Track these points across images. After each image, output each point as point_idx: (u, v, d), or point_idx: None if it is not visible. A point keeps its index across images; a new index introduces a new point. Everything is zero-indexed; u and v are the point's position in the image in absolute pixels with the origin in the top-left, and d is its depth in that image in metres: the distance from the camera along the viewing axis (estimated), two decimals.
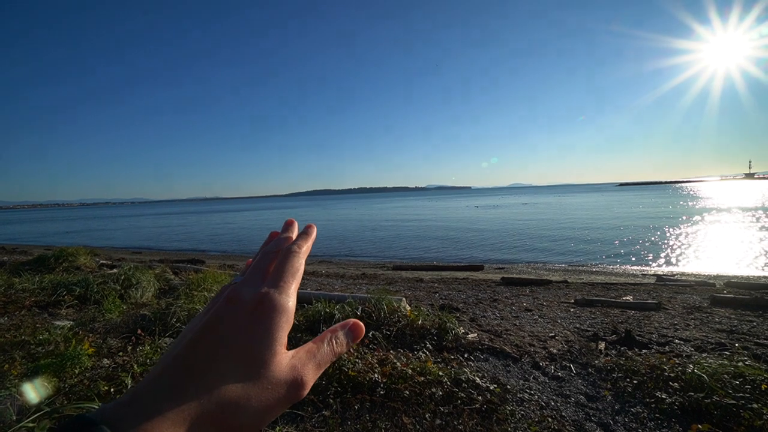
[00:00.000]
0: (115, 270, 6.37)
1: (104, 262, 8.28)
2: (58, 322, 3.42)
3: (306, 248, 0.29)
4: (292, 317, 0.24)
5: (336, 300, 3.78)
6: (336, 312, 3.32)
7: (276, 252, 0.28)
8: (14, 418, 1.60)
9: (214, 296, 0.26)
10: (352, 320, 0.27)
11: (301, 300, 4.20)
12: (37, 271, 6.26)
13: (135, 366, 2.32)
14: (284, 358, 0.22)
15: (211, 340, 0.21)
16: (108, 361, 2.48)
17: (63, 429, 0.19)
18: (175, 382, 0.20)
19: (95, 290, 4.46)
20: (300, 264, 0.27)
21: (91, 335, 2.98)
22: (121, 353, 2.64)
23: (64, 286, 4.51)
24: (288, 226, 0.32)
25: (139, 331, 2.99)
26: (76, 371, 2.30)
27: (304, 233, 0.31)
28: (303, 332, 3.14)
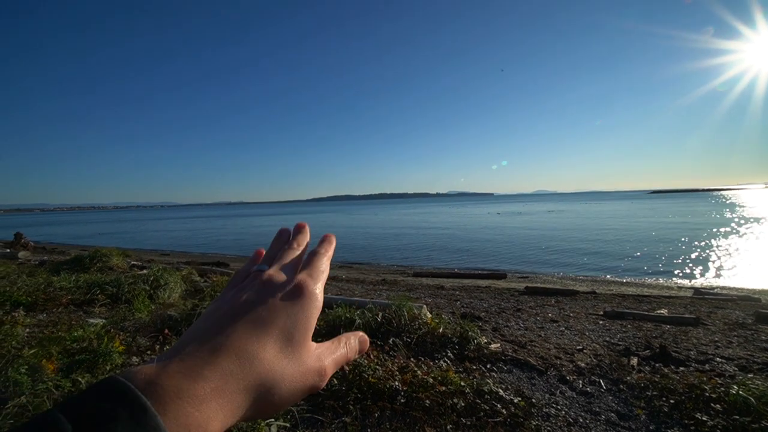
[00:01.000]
0: (144, 271, 6.64)
1: (135, 263, 8.66)
2: (91, 320, 3.58)
3: (331, 253, 0.31)
4: (320, 309, 0.26)
5: (356, 305, 3.77)
6: (356, 317, 3.31)
7: (298, 248, 0.31)
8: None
9: (232, 279, 0.28)
10: (361, 332, 0.30)
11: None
12: (73, 270, 6.61)
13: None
14: (313, 346, 0.24)
15: (248, 317, 0.21)
16: (137, 359, 2.56)
17: (94, 391, 0.18)
18: (218, 347, 0.20)
19: (126, 290, 4.65)
20: (327, 267, 0.29)
21: (121, 333, 3.10)
22: (149, 352, 2.73)
23: (97, 285, 4.73)
24: (300, 229, 0.34)
25: (166, 331, 3.09)
26: (108, 368, 2.39)
27: (327, 241, 0.33)
28: (323, 336, 3.14)
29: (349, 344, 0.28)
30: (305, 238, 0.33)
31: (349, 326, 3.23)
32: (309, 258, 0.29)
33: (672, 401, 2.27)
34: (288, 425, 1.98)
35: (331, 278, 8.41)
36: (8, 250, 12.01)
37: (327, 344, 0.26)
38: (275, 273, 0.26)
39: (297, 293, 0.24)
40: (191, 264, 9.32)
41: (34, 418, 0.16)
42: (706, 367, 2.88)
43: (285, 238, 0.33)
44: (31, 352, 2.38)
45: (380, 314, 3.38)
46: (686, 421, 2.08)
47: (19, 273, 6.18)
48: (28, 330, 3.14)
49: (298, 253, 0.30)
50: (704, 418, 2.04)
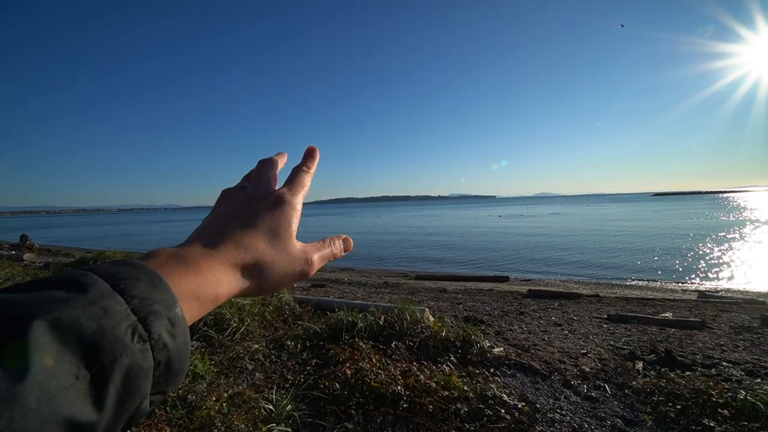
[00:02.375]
0: None
1: None
2: None
3: (313, 169, 0.37)
4: (299, 216, 0.31)
5: (358, 308, 3.76)
6: (359, 321, 3.29)
7: (275, 164, 0.36)
8: None
9: (220, 196, 0.35)
10: (344, 235, 0.36)
11: (324, 307, 4.21)
12: None
13: None
14: (298, 243, 0.30)
15: (242, 218, 0.29)
16: None
17: (113, 261, 0.20)
18: (220, 239, 0.26)
19: None
20: (308, 182, 0.35)
21: None
22: None
23: None
24: (279, 155, 0.38)
25: None
26: None
27: (310, 156, 0.38)
28: (326, 340, 3.13)
29: (334, 244, 0.34)
30: (283, 157, 0.38)
31: (351, 329, 3.21)
32: (292, 173, 0.35)
33: (678, 406, 2.24)
34: (290, 430, 1.97)
35: (333, 281, 8.40)
36: (14, 252, 12.08)
37: (313, 243, 0.32)
38: (256, 188, 0.33)
39: (278, 202, 0.31)
40: None
41: (64, 272, 0.17)
42: (713, 371, 2.84)
43: (266, 161, 0.38)
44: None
45: (382, 317, 3.36)
46: (693, 427, 2.05)
47: (24, 275, 6.21)
48: None
49: (275, 169, 0.36)
50: (712, 424, 2.02)
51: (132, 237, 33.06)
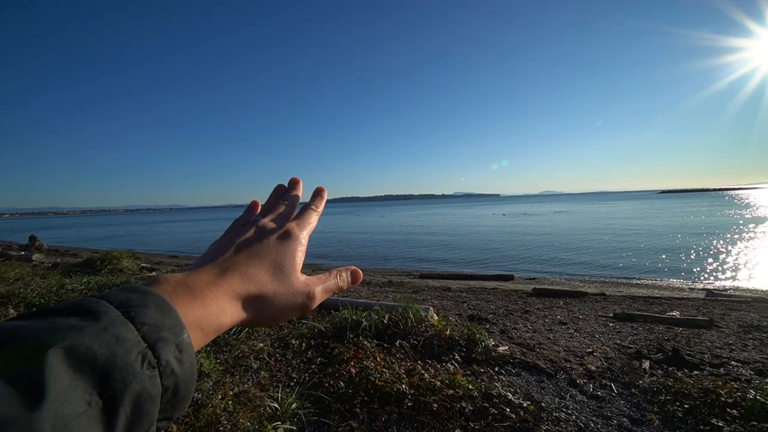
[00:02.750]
0: (154, 273, 6.70)
1: (144, 265, 8.76)
2: None
3: (321, 209, 0.39)
4: (305, 253, 0.33)
5: (363, 307, 3.76)
6: (363, 319, 3.30)
7: (290, 202, 0.38)
8: None
9: (231, 225, 0.36)
10: (353, 267, 0.36)
11: (328, 306, 4.22)
12: (85, 272, 6.71)
13: None
14: (301, 276, 0.31)
15: (248, 251, 0.29)
16: None
17: (122, 288, 0.20)
18: (227, 269, 0.27)
19: None
20: (315, 221, 0.36)
21: None
22: None
23: (108, 287, 4.79)
24: (294, 185, 0.40)
25: None
26: None
27: (319, 196, 0.39)
28: (330, 339, 3.14)
29: (340, 276, 0.34)
30: (297, 194, 0.40)
31: (356, 328, 3.22)
32: (301, 211, 0.37)
33: (686, 406, 2.22)
34: (295, 428, 1.98)
35: None
36: (23, 253, 12.23)
37: (317, 276, 0.33)
38: (269, 222, 0.34)
39: (285, 236, 0.32)
40: None
41: (76, 301, 0.18)
42: (721, 370, 2.81)
43: (280, 193, 0.40)
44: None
45: (387, 316, 3.36)
46: (702, 427, 2.03)
47: (32, 275, 6.29)
48: None
49: (289, 207, 0.37)
50: (720, 424, 1.99)
51: (138, 237, 33.34)
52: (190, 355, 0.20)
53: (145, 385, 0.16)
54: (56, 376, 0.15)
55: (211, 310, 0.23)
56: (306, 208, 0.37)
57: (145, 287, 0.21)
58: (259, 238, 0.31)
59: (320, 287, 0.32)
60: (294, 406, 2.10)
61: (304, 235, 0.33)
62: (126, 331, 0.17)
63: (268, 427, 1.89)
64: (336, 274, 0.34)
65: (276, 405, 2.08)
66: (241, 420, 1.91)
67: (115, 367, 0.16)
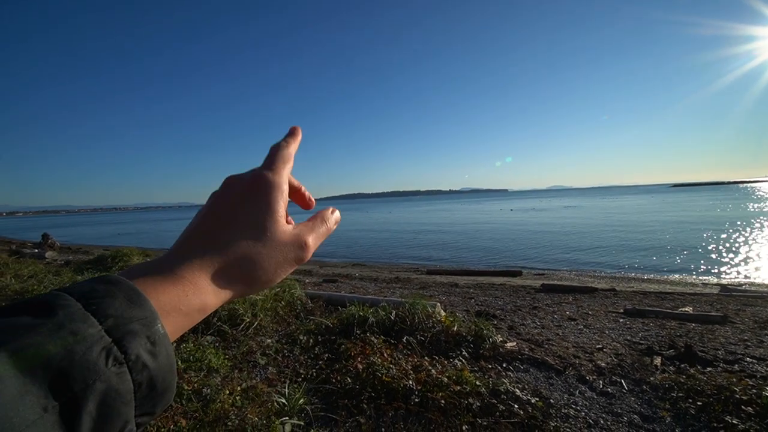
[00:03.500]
0: None
1: None
2: None
3: (294, 145, 0.33)
4: (287, 195, 0.29)
5: (370, 303, 3.76)
6: (370, 316, 3.30)
7: (282, 145, 0.32)
8: None
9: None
10: (332, 207, 0.32)
11: (336, 303, 4.23)
12: (96, 269, 6.83)
13: (179, 362, 2.44)
14: (287, 226, 0.27)
15: (218, 212, 0.26)
16: None
17: (90, 279, 0.19)
18: (197, 244, 0.24)
19: None
20: (288, 155, 0.31)
21: None
22: None
23: None
24: (293, 133, 0.35)
25: None
26: None
27: (291, 134, 0.34)
28: (337, 335, 3.15)
29: (329, 218, 0.31)
30: (285, 140, 0.33)
31: (363, 324, 3.22)
32: (270, 150, 0.31)
33: (699, 403, 2.17)
34: (302, 423, 1.99)
35: (344, 276, 8.44)
36: (36, 251, 12.51)
37: (306, 222, 0.30)
38: (236, 175, 0.29)
39: (255, 184, 0.27)
40: None
41: (34, 297, 0.16)
42: (736, 367, 2.75)
43: (274, 145, 0.36)
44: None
45: (394, 312, 3.36)
46: (715, 424, 1.99)
47: (46, 272, 6.42)
48: None
49: (283, 150, 0.31)
50: (735, 421, 1.95)
51: (147, 235, 33.84)
52: (165, 347, 0.18)
53: (111, 383, 0.15)
54: (1, 382, 0.14)
55: (187, 290, 0.21)
56: (275, 145, 0.31)
57: (116, 276, 0.19)
58: (225, 196, 0.27)
59: (311, 235, 0.28)
60: (301, 401, 2.11)
61: (279, 177, 0.28)
62: (86, 326, 0.16)
63: (276, 422, 1.90)
64: (323, 218, 0.31)
65: (283, 400, 2.10)
66: (249, 415, 1.92)
67: (74, 367, 0.14)
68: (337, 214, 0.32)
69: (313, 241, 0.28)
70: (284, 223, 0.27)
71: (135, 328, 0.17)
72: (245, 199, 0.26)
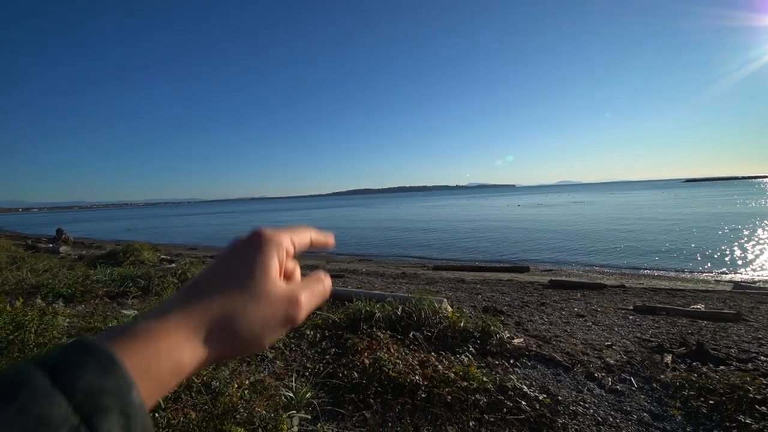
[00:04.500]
0: (173, 264, 6.89)
1: (164, 257, 9.02)
2: (124, 311, 3.75)
3: (315, 235, 0.31)
4: (283, 252, 0.26)
5: (376, 299, 3.77)
6: (376, 311, 3.30)
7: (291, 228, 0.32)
8: None
9: None
10: (323, 271, 0.30)
11: (342, 298, 4.25)
12: (108, 264, 6.95)
13: None
14: (280, 282, 0.25)
15: (213, 269, 0.24)
16: None
17: (63, 346, 0.17)
18: (180, 300, 0.21)
19: (156, 283, 4.85)
20: (303, 229, 0.30)
21: None
22: None
23: (130, 278, 4.95)
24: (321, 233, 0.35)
25: None
26: None
27: (321, 232, 0.33)
28: (344, 330, 3.16)
29: (324, 282, 0.29)
30: (311, 234, 0.32)
31: (369, 319, 3.23)
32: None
33: (711, 402, 2.14)
34: (309, 417, 2.00)
35: (350, 271, 8.47)
36: (51, 245, 12.79)
37: (302, 280, 0.28)
38: (244, 234, 0.28)
39: (254, 240, 0.26)
40: None
41: (7, 368, 0.16)
42: (749, 366, 2.70)
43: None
44: (71, 341, 2.53)
45: (400, 308, 3.36)
46: (727, 424, 1.96)
47: (60, 266, 6.56)
48: (68, 320, 3.32)
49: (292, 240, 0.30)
50: (748, 421, 1.92)
51: (157, 230, 34.31)
52: (141, 419, 0.17)
53: None
54: None
55: (160, 348, 0.18)
56: (295, 225, 0.31)
57: (91, 341, 0.17)
58: (224, 253, 0.26)
59: (305, 292, 0.26)
60: (308, 395, 2.13)
61: (276, 234, 0.27)
62: (51, 405, 0.14)
63: (284, 416, 1.92)
64: (319, 279, 0.29)
65: (291, 394, 2.11)
66: (257, 408, 1.94)
67: None
68: (327, 277, 0.30)
69: (306, 299, 0.26)
70: (277, 279, 0.25)
71: (106, 402, 0.16)
72: (238, 255, 0.25)
